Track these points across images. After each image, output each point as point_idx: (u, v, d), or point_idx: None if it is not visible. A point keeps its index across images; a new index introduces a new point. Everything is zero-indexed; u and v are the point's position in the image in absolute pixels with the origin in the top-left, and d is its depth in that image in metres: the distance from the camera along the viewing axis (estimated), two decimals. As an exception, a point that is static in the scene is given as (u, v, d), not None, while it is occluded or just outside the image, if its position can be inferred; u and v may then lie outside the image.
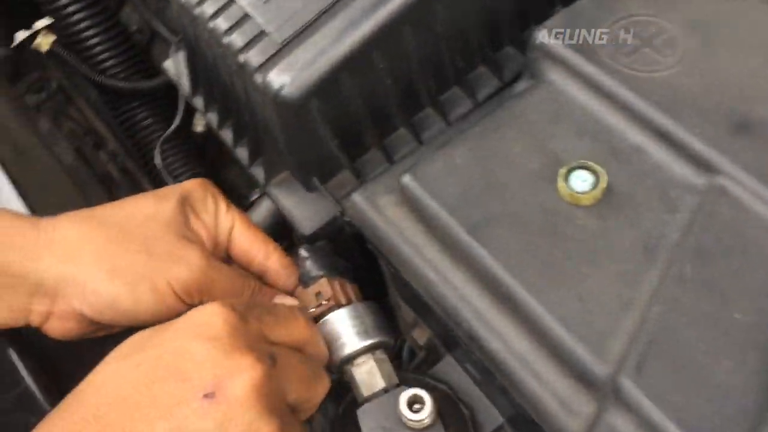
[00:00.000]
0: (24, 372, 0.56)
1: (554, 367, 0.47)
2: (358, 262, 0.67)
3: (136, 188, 1.05)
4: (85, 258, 0.50)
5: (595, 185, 0.50)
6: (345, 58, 0.54)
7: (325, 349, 0.52)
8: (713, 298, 0.45)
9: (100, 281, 0.50)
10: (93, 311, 0.51)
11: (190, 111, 0.83)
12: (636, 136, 0.53)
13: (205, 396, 0.41)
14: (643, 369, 0.43)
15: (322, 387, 0.49)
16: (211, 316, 0.44)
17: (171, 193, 0.55)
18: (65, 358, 0.57)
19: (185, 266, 0.51)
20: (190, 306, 0.50)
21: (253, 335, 0.45)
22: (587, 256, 0.48)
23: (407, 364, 0.70)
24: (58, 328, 0.53)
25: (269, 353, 0.44)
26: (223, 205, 0.57)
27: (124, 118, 1.02)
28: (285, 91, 0.54)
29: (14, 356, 0.57)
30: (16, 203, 0.72)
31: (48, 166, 0.97)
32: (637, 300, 0.46)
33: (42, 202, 0.74)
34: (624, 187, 0.51)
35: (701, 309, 0.45)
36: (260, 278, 0.58)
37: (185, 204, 0.54)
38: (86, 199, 0.86)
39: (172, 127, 0.79)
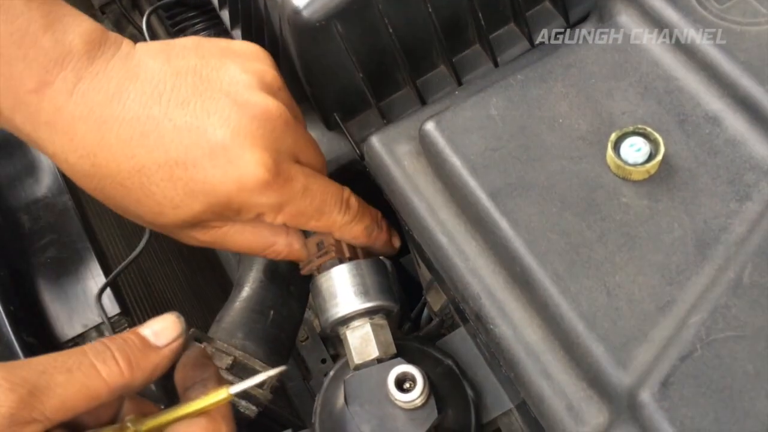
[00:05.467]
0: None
1: (567, 366, 0.41)
2: (384, 211, 0.61)
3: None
4: None
5: (650, 157, 0.42)
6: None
7: None
8: (774, 314, 0.37)
9: None
10: None
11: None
12: (713, 102, 0.44)
13: None
14: (670, 387, 0.37)
15: None
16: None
17: None
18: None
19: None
20: None
21: None
22: (626, 242, 0.41)
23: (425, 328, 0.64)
24: None
25: None
26: None
27: (180, 28, 1.00)
28: (304, 11, 0.47)
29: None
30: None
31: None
32: (677, 303, 0.39)
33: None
34: (686, 164, 0.42)
35: (755, 324, 0.37)
36: None
37: None
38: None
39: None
